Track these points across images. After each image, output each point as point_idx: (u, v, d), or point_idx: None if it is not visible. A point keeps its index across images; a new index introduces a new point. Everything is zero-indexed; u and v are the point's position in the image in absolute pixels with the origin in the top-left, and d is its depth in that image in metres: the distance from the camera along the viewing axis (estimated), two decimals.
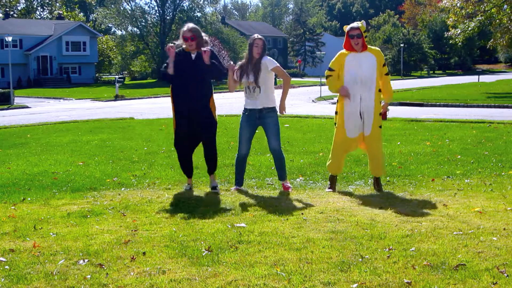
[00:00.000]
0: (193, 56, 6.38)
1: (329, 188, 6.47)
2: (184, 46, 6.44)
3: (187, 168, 6.66)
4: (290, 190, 6.41)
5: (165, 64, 6.52)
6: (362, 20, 6.59)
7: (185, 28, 6.36)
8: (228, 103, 26.36)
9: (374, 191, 6.33)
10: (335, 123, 6.46)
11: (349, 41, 6.20)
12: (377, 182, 6.45)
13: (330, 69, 6.39)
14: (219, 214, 5.31)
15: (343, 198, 5.97)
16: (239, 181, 6.62)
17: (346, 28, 6.26)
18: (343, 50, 6.33)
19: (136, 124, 16.64)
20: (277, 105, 6.46)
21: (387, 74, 6.34)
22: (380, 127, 6.34)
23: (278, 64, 6.36)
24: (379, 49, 6.41)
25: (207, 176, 7.34)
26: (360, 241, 4.31)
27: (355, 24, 6.21)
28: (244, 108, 6.53)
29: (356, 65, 6.20)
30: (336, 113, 6.51)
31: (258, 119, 6.42)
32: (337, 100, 6.47)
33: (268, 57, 6.34)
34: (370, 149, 6.34)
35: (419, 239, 4.36)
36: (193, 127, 6.38)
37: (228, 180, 7.13)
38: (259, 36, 6.37)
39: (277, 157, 6.50)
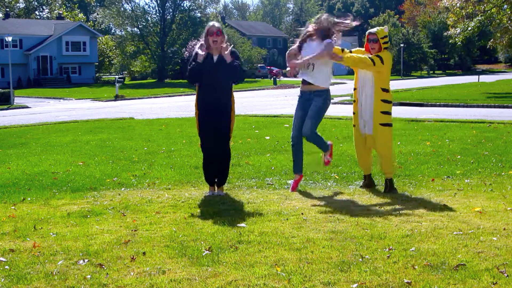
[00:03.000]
0: (215, 58, 6.07)
1: (361, 186, 6.57)
2: (198, 50, 6.09)
3: (209, 175, 6.35)
4: (329, 162, 6.59)
5: (193, 63, 6.11)
6: (386, 26, 6.66)
7: (211, 24, 6.13)
8: None
9: (374, 191, 6.33)
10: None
11: (368, 45, 6.40)
12: (385, 184, 6.39)
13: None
14: (219, 214, 5.31)
15: (343, 198, 5.97)
16: (298, 169, 6.51)
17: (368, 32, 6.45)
18: (363, 49, 6.54)
19: (136, 124, 16.64)
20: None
21: (371, 59, 6.24)
22: (387, 125, 6.31)
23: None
24: (389, 53, 6.41)
25: None
26: (360, 241, 4.32)
27: (373, 29, 6.40)
28: (300, 91, 6.55)
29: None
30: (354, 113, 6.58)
31: (308, 100, 6.40)
32: (353, 100, 6.58)
33: (328, 40, 6.24)
34: (377, 147, 6.36)
35: (419, 239, 4.36)
36: (214, 136, 6.18)
37: (228, 180, 7.12)
38: (329, 18, 6.35)
39: (309, 141, 6.43)
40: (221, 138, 6.20)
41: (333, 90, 6.55)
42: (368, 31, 6.45)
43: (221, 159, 6.27)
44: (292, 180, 6.53)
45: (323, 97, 6.35)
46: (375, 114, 6.27)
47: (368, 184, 6.56)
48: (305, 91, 6.41)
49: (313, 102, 6.35)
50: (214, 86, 6.07)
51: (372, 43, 6.31)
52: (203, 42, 6.14)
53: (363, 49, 6.50)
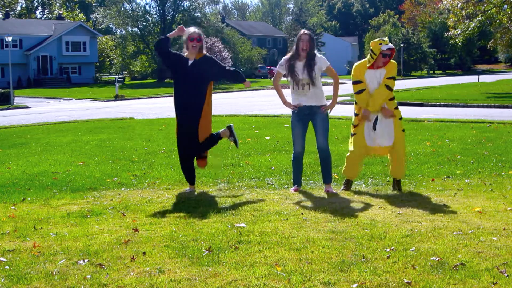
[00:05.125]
0: (190, 62, 6.32)
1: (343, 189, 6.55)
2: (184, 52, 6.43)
3: (189, 175, 6.54)
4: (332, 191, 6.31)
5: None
6: (386, 38, 6.55)
7: (191, 30, 6.35)
8: (228, 103, 26.39)
9: (374, 191, 6.33)
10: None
11: (380, 58, 6.18)
12: (398, 185, 6.42)
13: (358, 82, 6.34)
14: (219, 214, 5.31)
15: (343, 198, 5.97)
16: (297, 182, 6.48)
17: (381, 46, 6.11)
18: (360, 63, 6.37)
19: (136, 124, 16.64)
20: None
21: (388, 88, 6.30)
22: (403, 130, 6.40)
23: (329, 64, 6.25)
24: (395, 62, 6.37)
25: (207, 176, 7.36)
26: (360, 241, 4.32)
27: (390, 45, 6.15)
28: (294, 106, 6.36)
29: (373, 81, 6.31)
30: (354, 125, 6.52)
31: (308, 115, 6.30)
32: (355, 114, 6.48)
33: (321, 56, 6.23)
34: (393, 153, 6.35)
35: (419, 239, 4.36)
36: (182, 137, 6.38)
37: (228, 180, 7.13)
38: (306, 31, 6.25)
39: (323, 157, 6.35)
40: (190, 134, 6.33)
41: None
42: (386, 46, 6.10)
43: (191, 156, 6.46)
44: (292, 189, 6.48)
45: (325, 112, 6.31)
46: (395, 123, 6.31)
47: (349, 187, 6.56)
48: (304, 106, 6.27)
49: (317, 116, 6.26)
50: (186, 89, 6.29)
51: (388, 58, 6.18)
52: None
53: (359, 62, 6.39)
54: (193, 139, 6.33)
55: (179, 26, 6.49)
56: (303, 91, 6.21)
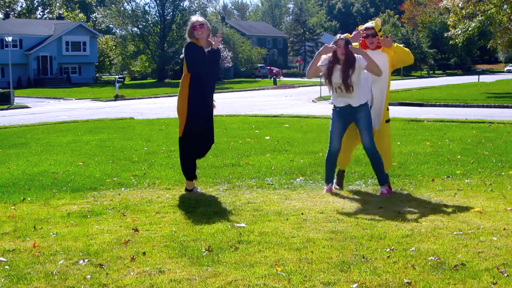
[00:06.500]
0: (206, 50, 6.21)
1: (337, 184, 6.60)
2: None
3: (193, 169, 6.50)
4: (388, 194, 6.13)
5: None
6: (378, 18, 6.58)
7: (193, 19, 6.23)
8: (228, 103, 26.38)
9: (374, 191, 6.33)
10: None
11: (364, 41, 6.27)
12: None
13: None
14: (219, 214, 5.30)
15: (343, 198, 5.97)
16: (329, 179, 6.36)
17: (361, 28, 6.33)
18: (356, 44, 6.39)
19: (136, 124, 16.64)
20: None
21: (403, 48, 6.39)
22: (388, 121, 6.42)
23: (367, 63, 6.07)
24: (395, 45, 6.38)
25: (207, 176, 7.35)
26: (360, 241, 4.31)
27: (369, 24, 6.27)
28: (334, 106, 6.26)
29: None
30: None
31: (349, 114, 6.17)
32: None
33: (359, 56, 6.08)
34: (379, 143, 6.34)
35: (419, 239, 4.36)
36: (207, 130, 6.34)
37: (228, 180, 7.13)
38: (342, 36, 6.07)
39: (372, 157, 6.18)
40: (212, 127, 6.40)
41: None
42: (364, 26, 6.29)
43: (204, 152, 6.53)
44: (325, 188, 6.37)
45: (366, 109, 6.17)
46: (384, 111, 6.33)
47: (341, 180, 6.58)
48: (345, 106, 6.13)
49: (360, 115, 6.11)
50: (210, 80, 6.29)
51: (371, 37, 6.21)
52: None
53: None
54: (213, 131, 6.40)
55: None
56: (346, 94, 6.05)
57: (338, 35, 6.14)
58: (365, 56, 5.99)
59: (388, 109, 6.44)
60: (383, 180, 6.21)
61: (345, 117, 6.20)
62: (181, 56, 6.43)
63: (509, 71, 68.35)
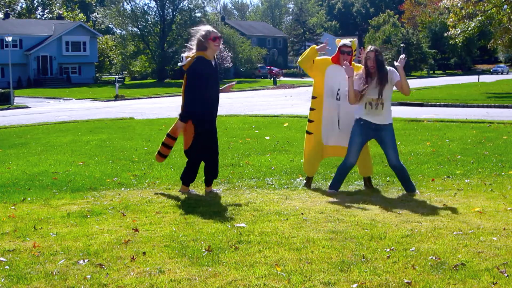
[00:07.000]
0: (213, 63, 6.18)
1: (305, 186, 6.70)
2: (192, 48, 6.17)
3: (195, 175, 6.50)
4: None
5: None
6: (355, 38, 6.73)
7: (209, 28, 6.09)
8: (228, 103, 26.37)
9: (374, 191, 6.34)
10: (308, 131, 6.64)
11: (338, 55, 6.36)
12: (369, 182, 6.64)
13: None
14: (219, 214, 5.30)
15: (343, 198, 5.97)
16: (336, 186, 6.33)
17: (339, 43, 6.42)
18: (328, 58, 6.52)
19: (136, 124, 16.65)
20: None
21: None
22: None
23: (399, 78, 6.02)
24: (362, 66, 6.46)
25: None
26: (360, 241, 4.31)
27: (348, 42, 6.35)
28: (360, 118, 6.14)
29: (336, 79, 6.36)
30: (310, 121, 6.62)
31: (374, 130, 6.11)
32: (311, 109, 6.62)
33: (391, 68, 6.06)
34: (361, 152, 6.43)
35: (419, 239, 4.36)
36: (215, 139, 6.33)
37: (228, 180, 7.13)
38: (371, 48, 6.00)
39: (398, 172, 6.21)
40: (216, 132, 6.39)
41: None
42: (343, 42, 6.37)
43: (212, 158, 6.46)
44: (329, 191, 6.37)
45: (391, 126, 6.19)
46: None
47: (309, 185, 6.68)
48: (371, 122, 6.08)
49: (385, 132, 6.11)
50: (217, 89, 6.24)
51: (346, 55, 6.29)
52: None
53: (328, 57, 6.52)
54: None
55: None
56: (376, 111, 6.02)
57: (369, 47, 6.04)
58: (400, 71, 5.95)
59: None
60: (413, 188, 6.23)
61: (368, 132, 6.14)
62: (179, 63, 6.33)
63: (495, 71, 68.03)
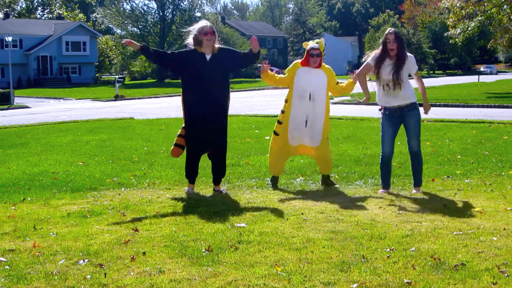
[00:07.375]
0: (208, 57, 6.15)
1: (273, 188, 6.72)
2: (191, 46, 6.24)
3: (193, 172, 6.46)
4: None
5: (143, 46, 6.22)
6: (322, 38, 6.89)
7: (203, 24, 6.18)
8: None
9: (374, 191, 6.33)
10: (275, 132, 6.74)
11: (308, 58, 6.50)
12: (327, 180, 6.73)
13: (283, 73, 6.92)
14: (219, 214, 5.30)
15: (343, 198, 5.97)
16: (386, 184, 6.28)
17: (307, 46, 6.55)
18: (298, 61, 6.68)
19: (136, 124, 16.65)
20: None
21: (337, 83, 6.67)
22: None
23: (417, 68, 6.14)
24: (330, 67, 6.65)
25: (206, 176, 7.34)
26: (360, 241, 4.31)
27: (315, 45, 6.49)
28: (384, 108, 6.19)
29: (307, 80, 6.50)
30: (279, 122, 6.72)
31: (399, 117, 6.17)
32: (282, 111, 6.72)
33: (411, 56, 6.06)
34: (320, 154, 6.60)
35: (419, 239, 4.35)
36: (207, 135, 6.21)
37: (228, 180, 7.12)
38: (391, 30, 5.98)
39: (416, 160, 6.29)
40: (221, 130, 6.33)
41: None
42: (310, 46, 6.49)
43: (214, 155, 6.46)
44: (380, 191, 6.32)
45: (416, 110, 6.22)
46: (324, 128, 6.55)
47: (276, 184, 6.75)
48: (395, 108, 6.13)
49: (410, 118, 6.17)
50: (210, 84, 6.17)
51: (316, 57, 6.45)
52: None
53: (298, 61, 6.65)
54: (224, 135, 6.35)
55: (126, 40, 6.20)
56: (394, 92, 6.03)
57: (388, 29, 6.06)
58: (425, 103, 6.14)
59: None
60: (420, 183, 6.31)
61: (395, 120, 6.18)
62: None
63: (484, 72, 67.86)
